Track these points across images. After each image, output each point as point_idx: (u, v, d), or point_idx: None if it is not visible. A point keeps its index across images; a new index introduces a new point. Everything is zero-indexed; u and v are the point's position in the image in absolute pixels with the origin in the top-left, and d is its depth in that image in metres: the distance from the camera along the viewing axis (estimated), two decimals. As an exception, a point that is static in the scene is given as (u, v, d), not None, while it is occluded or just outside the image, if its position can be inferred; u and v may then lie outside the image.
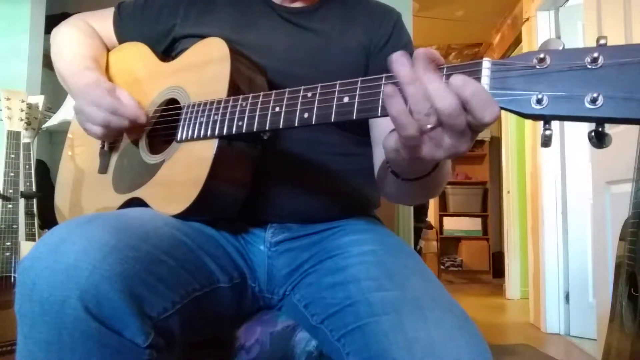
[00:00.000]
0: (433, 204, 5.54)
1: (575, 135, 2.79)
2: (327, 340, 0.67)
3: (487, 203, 5.63)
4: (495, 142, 5.44)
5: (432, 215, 5.49)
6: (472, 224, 5.64)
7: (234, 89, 0.71)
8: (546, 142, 0.46)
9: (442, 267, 5.59)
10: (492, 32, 4.57)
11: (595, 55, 0.43)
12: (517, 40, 3.79)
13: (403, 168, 0.60)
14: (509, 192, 4.29)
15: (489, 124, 0.47)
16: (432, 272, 0.73)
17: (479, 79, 0.48)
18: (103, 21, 0.98)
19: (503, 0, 3.83)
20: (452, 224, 5.67)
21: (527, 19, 3.27)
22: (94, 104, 0.78)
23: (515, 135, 4.15)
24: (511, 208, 4.22)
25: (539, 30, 3.05)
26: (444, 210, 5.70)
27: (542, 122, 0.46)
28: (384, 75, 0.54)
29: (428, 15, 4.05)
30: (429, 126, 0.48)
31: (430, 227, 4.98)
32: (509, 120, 4.19)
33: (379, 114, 0.53)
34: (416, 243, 2.22)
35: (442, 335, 0.57)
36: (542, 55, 0.45)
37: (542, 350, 2.49)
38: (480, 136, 5.67)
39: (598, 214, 1.97)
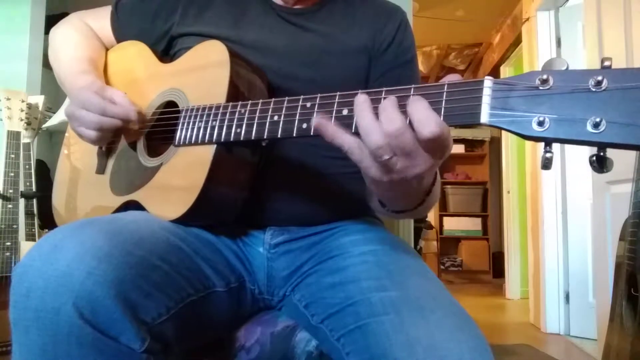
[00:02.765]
0: (433, 204, 5.52)
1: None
2: (327, 340, 0.67)
3: (487, 203, 5.62)
4: (495, 142, 5.45)
5: (432, 215, 5.49)
6: (472, 224, 5.64)
7: (233, 93, 0.71)
8: (546, 164, 0.45)
9: (442, 267, 5.59)
10: (492, 32, 4.57)
11: (600, 78, 0.42)
12: (517, 40, 3.79)
13: (387, 200, 0.62)
14: (509, 192, 4.29)
15: (428, 139, 0.48)
16: (432, 272, 0.73)
17: (479, 97, 0.47)
18: (101, 20, 0.97)
19: (503, 0, 3.83)
20: (452, 224, 5.67)
21: (527, 19, 3.27)
22: (83, 107, 0.77)
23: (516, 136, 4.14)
24: (511, 208, 4.22)
25: (539, 30, 3.05)
26: (444, 210, 5.69)
27: (542, 144, 0.45)
28: (383, 89, 0.54)
29: (428, 15, 4.05)
30: (385, 157, 0.50)
31: (430, 227, 4.98)
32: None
33: None
34: (416, 243, 2.22)
35: (443, 336, 0.57)
36: (545, 76, 0.45)
37: (542, 350, 2.49)
38: (480, 136, 5.68)
39: (598, 214, 1.98)
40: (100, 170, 0.87)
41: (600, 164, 0.44)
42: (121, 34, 0.96)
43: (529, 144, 3.32)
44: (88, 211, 0.88)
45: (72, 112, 0.78)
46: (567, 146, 2.84)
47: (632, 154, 1.43)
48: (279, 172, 0.80)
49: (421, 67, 5.12)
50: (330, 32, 0.87)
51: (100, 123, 0.76)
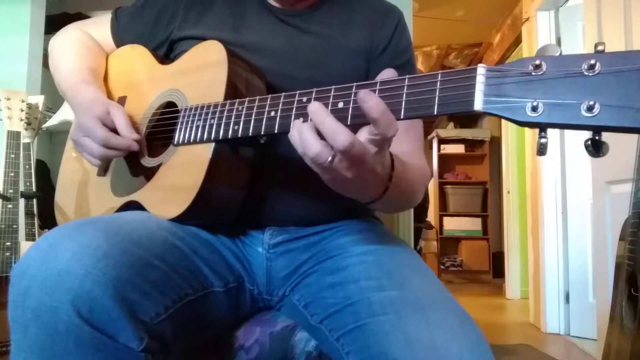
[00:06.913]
0: (433, 204, 5.54)
1: (575, 135, 2.79)
2: (326, 340, 0.67)
3: (487, 203, 5.62)
4: (495, 142, 5.44)
5: (432, 215, 5.49)
6: (472, 224, 5.64)
7: (231, 92, 0.71)
8: (541, 150, 0.45)
9: (442, 267, 5.59)
10: (492, 32, 4.56)
11: (593, 62, 0.43)
12: (517, 40, 3.79)
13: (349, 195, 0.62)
14: (509, 192, 4.29)
15: (391, 138, 0.52)
16: (432, 272, 0.73)
17: (473, 85, 0.47)
18: (100, 27, 0.97)
19: (503, 0, 3.83)
20: (452, 224, 5.67)
21: (527, 19, 3.27)
22: (87, 135, 0.78)
23: (515, 135, 4.15)
24: (511, 208, 4.22)
25: (539, 30, 3.05)
26: (444, 210, 5.70)
27: (537, 130, 0.46)
28: (378, 80, 0.54)
29: (428, 15, 4.05)
30: (327, 162, 0.52)
31: (430, 227, 4.99)
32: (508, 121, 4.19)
33: None
34: (416, 243, 2.22)
35: (443, 335, 0.57)
36: (538, 62, 0.45)
37: (542, 350, 2.49)
38: (480, 136, 5.67)
39: (598, 214, 1.97)
40: (101, 172, 0.88)
41: (595, 147, 0.44)
42: (121, 40, 0.96)
43: (528, 143, 3.32)
44: (89, 212, 0.89)
45: (77, 139, 0.80)
46: (567, 146, 2.86)
47: (632, 153, 1.43)
48: (278, 171, 0.80)
49: (421, 67, 5.12)
50: (328, 34, 0.87)
51: (104, 154, 0.78)
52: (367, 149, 0.52)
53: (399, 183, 0.63)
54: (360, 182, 0.56)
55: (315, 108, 0.53)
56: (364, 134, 0.53)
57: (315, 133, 0.53)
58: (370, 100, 0.50)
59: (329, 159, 0.52)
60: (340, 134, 0.51)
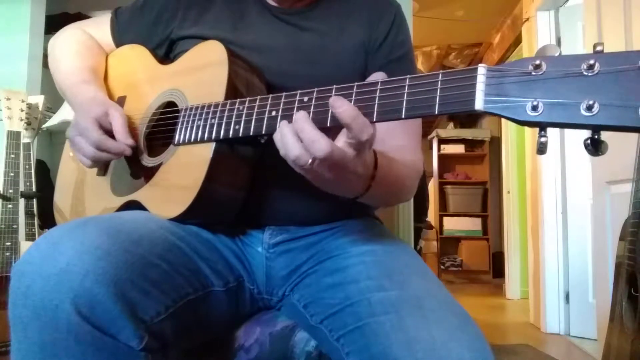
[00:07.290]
0: (433, 204, 5.54)
1: (575, 135, 2.79)
2: (326, 340, 0.67)
3: (487, 203, 5.62)
4: (495, 142, 5.44)
5: (432, 215, 5.49)
6: (472, 224, 5.64)
7: (232, 92, 0.71)
8: (541, 149, 0.46)
9: (442, 267, 5.59)
10: (492, 32, 4.56)
11: (592, 62, 0.43)
12: (517, 41, 3.79)
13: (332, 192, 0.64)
14: (509, 192, 4.29)
15: (367, 141, 0.53)
16: (432, 272, 0.73)
17: (474, 84, 0.48)
18: (100, 27, 0.97)
19: (503, 0, 3.83)
20: (452, 224, 5.67)
21: (527, 19, 3.27)
22: (81, 134, 0.78)
23: (515, 135, 4.15)
24: (511, 208, 4.22)
25: (539, 31, 3.05)
26: (444, 210, 5.70)
27: (537, 129, 0.46)
28: (379, 80, 0.54)
29: (428, 15, 4.05)
30: (309, 161, 0.54)
31: (430, 227, 4.97)
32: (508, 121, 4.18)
33: (374, 119, 0.54)
34: (416, 243, 2.22)
35: (443, 335, 0.57)
36: (538, 62, 0.45)
37: (542, 350, 2.49)
38: (480, 136, 5.67)
39: (598, 214, 1.97)
40: (101, 172, 0.88)
41: (594, 146, 0.45)
42: (121, 40, 0.96)
43: (529, 143, 3.32)
44: (89, 212, 0.89)
45: (72, 137, 0.80)
46: (567, 146, 2.86)
47: (632, 153, 1.43)
48: (278, 171, 0.79)
49: (421, 67, 5.12)
50: (326, 31, 0.87)
51: (96, 156, 0.78)
52: (346, 154, 0.54)
53: (383, 180, 0.64)
54: (342, 181, 0.58)
55: (298, 115, 0.55)
56: (342, 138, 0.54)
57: (296, 137, 0.55)
58: (341, 106, 0.51)
59: (309, 161, 0.53)
60: (317, 142, 0.52)
